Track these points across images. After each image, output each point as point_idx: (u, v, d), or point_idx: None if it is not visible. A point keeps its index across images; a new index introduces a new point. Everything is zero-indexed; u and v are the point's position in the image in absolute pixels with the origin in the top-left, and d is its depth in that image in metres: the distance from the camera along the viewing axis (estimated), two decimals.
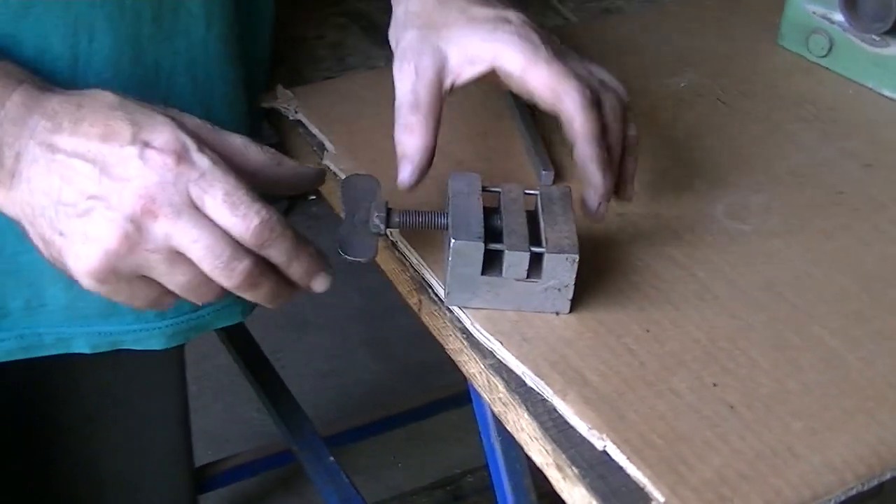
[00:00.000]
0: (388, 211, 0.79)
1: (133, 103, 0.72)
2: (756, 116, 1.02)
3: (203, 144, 0.71)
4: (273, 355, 1.94)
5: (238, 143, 0.74)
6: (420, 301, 0.83)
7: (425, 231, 0.82)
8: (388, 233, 0.85)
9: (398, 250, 0.85)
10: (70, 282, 0.84)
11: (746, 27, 1.14)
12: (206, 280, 0.71)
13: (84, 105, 0.71)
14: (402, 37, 0.85)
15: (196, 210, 0.69)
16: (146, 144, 0.70)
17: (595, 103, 0.81)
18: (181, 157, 0.70)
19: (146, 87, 0.81)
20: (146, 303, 0.73)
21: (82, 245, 0.70)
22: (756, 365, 0.78)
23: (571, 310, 0.81)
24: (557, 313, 0.80)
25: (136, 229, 0.69)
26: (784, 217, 0.91)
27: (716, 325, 0.81)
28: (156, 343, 0.93)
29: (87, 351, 0.92)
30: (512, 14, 0.85)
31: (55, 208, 0.70)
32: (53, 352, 0.91)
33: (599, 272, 0.84)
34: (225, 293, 0.73)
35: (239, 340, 1.75)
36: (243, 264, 0.70)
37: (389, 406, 1.97)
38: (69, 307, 0.89)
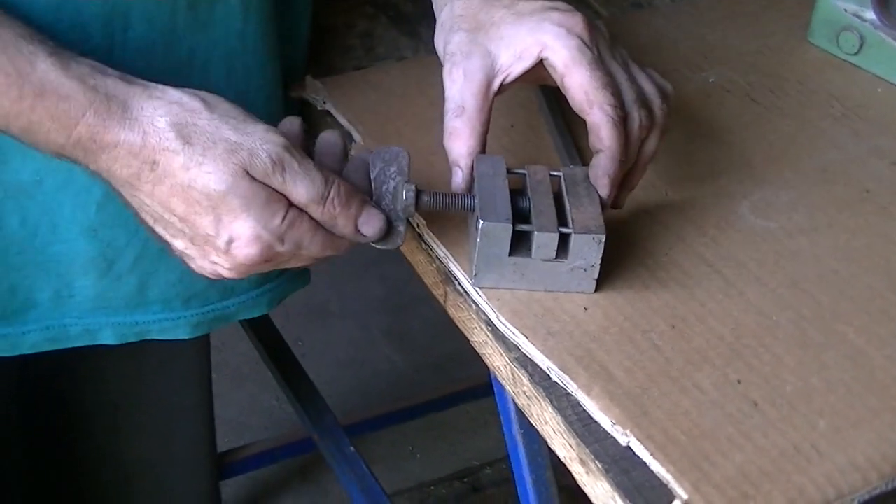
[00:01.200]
0: (418, 192, 0.80)
1: (199, 141, 0.73)
2: (785, 113, 1.02)
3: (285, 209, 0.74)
4: (294, 344, 1.94)
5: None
6: (446, 292, 0.83)
7: (453, 212, 0.82)
8: (415, 224, 0.85)
9: (424, 241, 0.85)
10: (100, 272, 0.87)
11: (776, 23, 1.13)
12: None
13: (158, 163, 0.73)
14: (450, 40, 0.85)
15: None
16: (229, 242, 0.74)
17: (622, 122, 0.81)
18: (265, 249, 0.74)
19: (180, 75, 0.81)
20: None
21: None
22: (781, 362, 0.78)
23: (597, 299, 0.81)
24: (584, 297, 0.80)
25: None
26: (811, 214, 0.91)
27: (741, 322, 0.81)
28: (182, 332, 0.94)
29: (113, 342, 0.92)
30: (561, 4, 0.85)
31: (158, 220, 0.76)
32: (79, 343, 0.91)
33: (625, 266, 0.84)
34: None
35: (261, 328, 1.75)
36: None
37: (409, 397, 1.97)
38: (98, 297, 0.89)
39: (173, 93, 0.73)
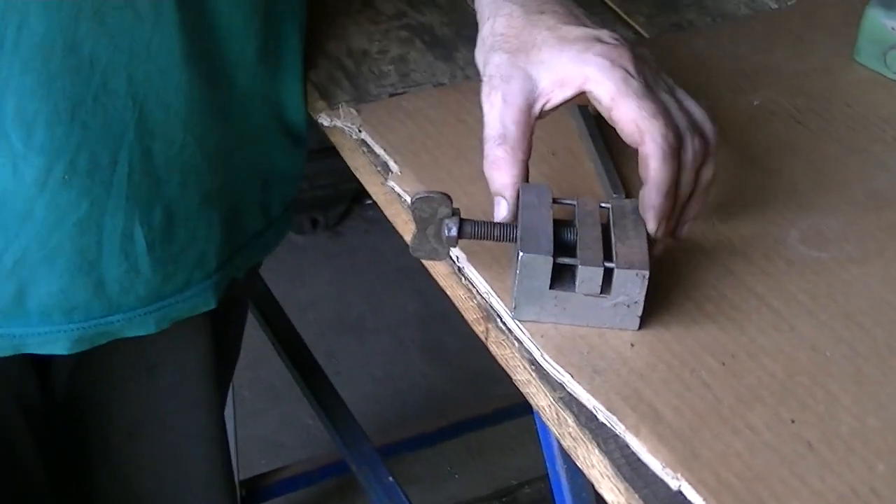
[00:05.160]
0: (461, 221, 0.78)
1: None
2: (832, 136, 0.99)
3: None
4: (328, 359, 1.94)
5: None
6: (487, 329, 0.81)
7: (495, 242, 0.80)
8: (455, 258, 0.83)
9: (464, 276, 0.83)
10: None
11: (821, 43, 1.11)
12: None
13: None
14: (490, 60, 0.82)
15: None
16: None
17: (676, 151, 0.79)
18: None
19: (78, 78, 0.79)
20: None
21: None
22: (836, 400, 0.76)
23: (644, 335, 0.79)
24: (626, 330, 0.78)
25: None
26: (861, 243, 0.89)
27: (793, 358, 0.79)
28: (61, 347, 0.90)
29: None
30: (605, 33, 0.82)
31: None
32: None
33: (671, 299, 0.82)
34: None
35: (291, 346, 1.74)
36: None
37: (446, 415, 1.95)
38: None
39: None
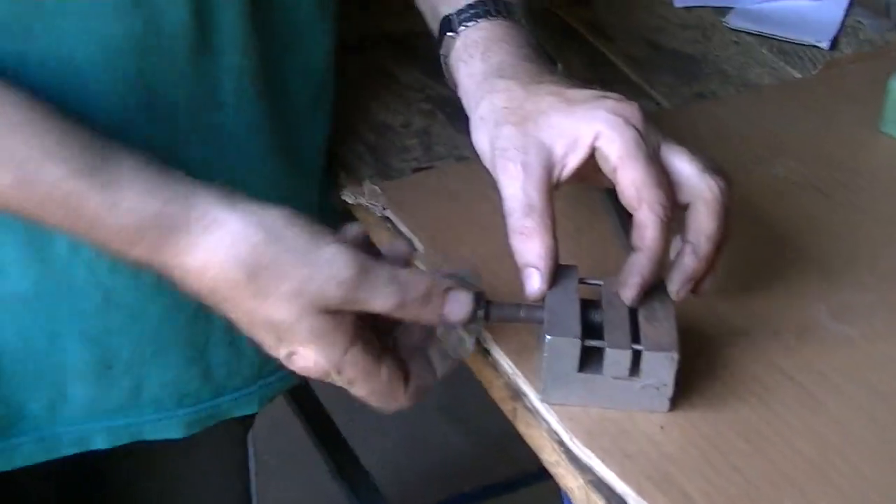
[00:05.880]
0: (487, 305, 0.77)
1: (263, 275, 0.71)
2: (859, 208, 0.99)
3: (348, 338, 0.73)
4: (348, 422, 1.92)
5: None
6: (515, 409, 0.80)
7: (521, 324, 0.79)
8: (481, 338, 0.83)
9: (491, 355, 0.83)
10: (95, 377, 0.86)
11: (846, 113, 1.10)
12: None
13: (218, 283, 0.71)
14: (498, 135, 0.81)
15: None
16: (289, 355, 0.73)
17: (669, 222, 0.77)
18: (322, 374, 0.74)
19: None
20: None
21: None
22: (868, 481, 0.74)
23: (673, 417, 0.78)
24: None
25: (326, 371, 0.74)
26: (891, 318, 0.88)
27: (824, 438, 0.77)
28: (175, 432, 0.92)
29: (105, 447, 0.90)
30: (612, 94, 0.82)
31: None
32: (72, 451, 0.89)
33: (700, 379, 0.81)
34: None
35: (310, 411, 1.73)
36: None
37: (468, 479, 1.93)
38: (91, 403, 0.88)
39: (233, 224, 0.71)
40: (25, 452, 0.88)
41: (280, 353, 0.73)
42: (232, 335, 0.89)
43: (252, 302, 0.71)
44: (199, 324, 0.88)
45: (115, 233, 0.70)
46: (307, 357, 0.72)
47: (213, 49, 0.80)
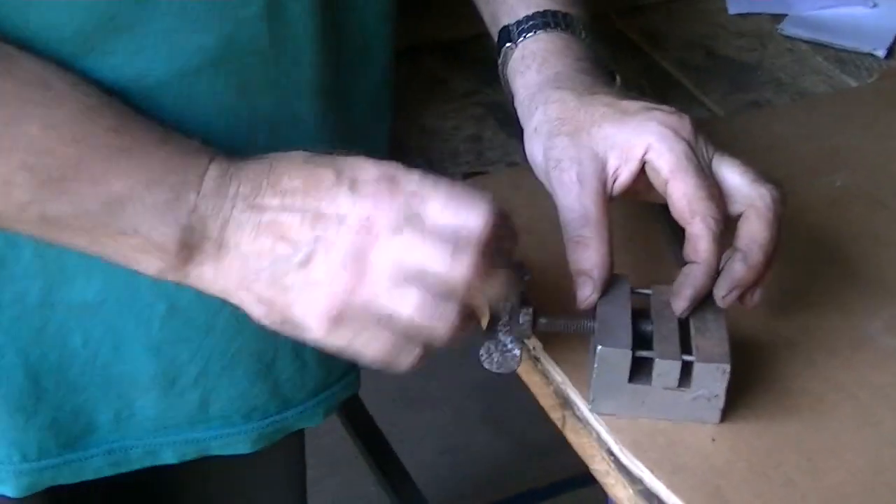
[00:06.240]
0: (535, 314, 0.76)
1: (323, 156, 0.71)
2: None
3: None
4: (389, 430, 1.92)
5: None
6: (564, 417, 0.80)
7: (570, 333, 0.79)
8: (531, 347, 0.82)
9: (540, 363, 0.82)
10: (162, 390, 0.85)
11: None
12: (435, 299, 0.68)
13: (276, 164, 0.70)
14: (553, 145, 0.81)
15: (416, 226, 0.68)
16: (354, 180, 0.68)
17: (721, 235, 0.77)
18: (392, 180, 0.68)
19: None
20: (383, 351, 0.70)
21: (310, 291, 0.68)
22: None
23: (724, 429, 0.77)
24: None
25: (359, 260, 0.67)
26: None
27: (879, 455, 0.76)
28: (242, 447, 0.91)
29: (173, 461, 0.90)
30: (663, 106, 0.81)
31: (272, 266, 0.69)
32: (140, 465, 0.89)
33: (752, 391, 0.80)
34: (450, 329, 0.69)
35: (354, 416, 1.72)
36: (467, 252, 0.67)
37: (509, 487, 1.92)
38: (158, 416, 0.87)
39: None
40: (94, 465, 0.88)
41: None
42: (299, 348, 0.88)
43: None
44: (267, 337, 0.85)
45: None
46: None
47: (288, 63, 0.79)
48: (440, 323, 0.68)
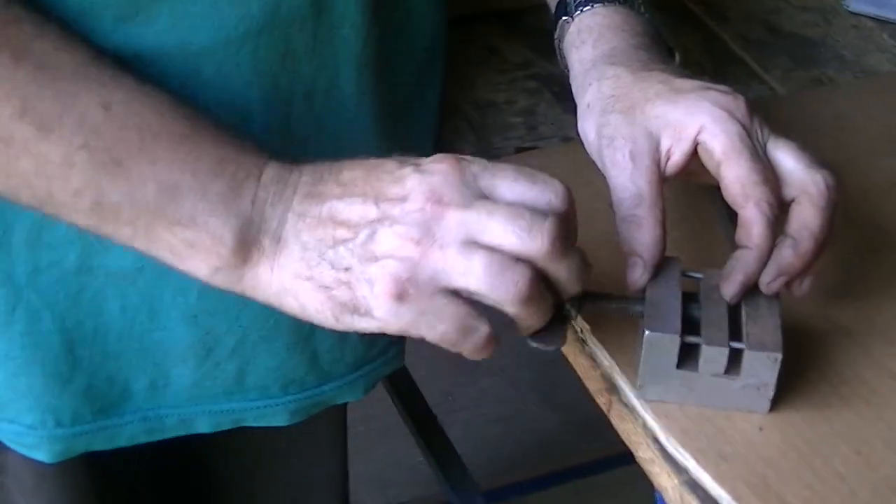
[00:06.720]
0: (581, 295, 0.74)
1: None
2: None
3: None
4: (444, 397, 1.91)
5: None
6: (610, 401, 0.78)
7: (619, 317, 0.77)
8: (578, 329, 0.80)
9: (587, 346, 0.80)
10: (198, 360, 0.85)
11: None
12: (505, 263, 0.66)
13: (337, 162, 0.69)
14: (606, 122, 0.80)
15: (486, 198, 0.67)
16: (417, 164, 0.68)
17: (776, 220, 0.75)
18: (457, 160, 0.67)
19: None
20: (454, 325, 0.68)
21: (374, 267, 0.66)
22: None
23: (773, 418, 0.75)
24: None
25: (426, 231, 0.66)
26: None
27: None
28: (279, 419, 0.91)
29: (208, 430, 0.90)
30: (718, 86, 0.80)
31: (335, 249, 0.67)
32: (175, 434, 0.89)
33: (804, 380, 0.78)
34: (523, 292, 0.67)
35: (401, 386, 1.71)
36: (548, 222, 0.66)
37: (557, 459, 1.92)
38: (194, 386, 0.87)
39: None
40: (129, 432, 0.88)
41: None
42: None
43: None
44: None
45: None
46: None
47: (332, 37, 0.78)
48: (510, 291, 0.67)
